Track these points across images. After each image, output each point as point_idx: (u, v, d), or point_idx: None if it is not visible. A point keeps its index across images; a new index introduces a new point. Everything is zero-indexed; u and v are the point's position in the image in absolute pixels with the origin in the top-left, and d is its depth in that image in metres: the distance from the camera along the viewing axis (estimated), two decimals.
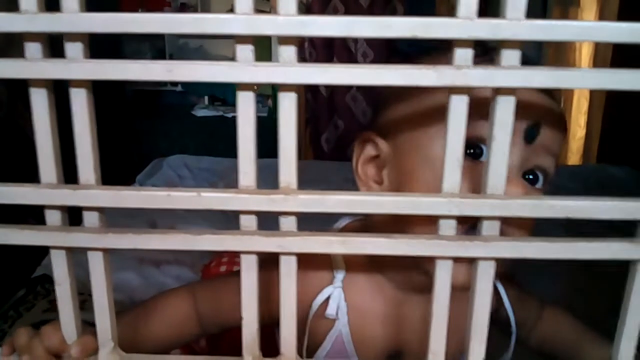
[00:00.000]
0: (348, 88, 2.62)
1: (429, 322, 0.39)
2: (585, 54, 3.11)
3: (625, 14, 2.62)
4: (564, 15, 3.14)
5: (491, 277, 0.38)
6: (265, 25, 0.32)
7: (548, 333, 0.69)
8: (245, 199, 0.36)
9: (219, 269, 1.08)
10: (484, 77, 0.33)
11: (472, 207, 0.36)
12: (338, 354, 0.58)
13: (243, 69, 0.33)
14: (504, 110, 0.35)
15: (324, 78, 0.33)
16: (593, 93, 3.02)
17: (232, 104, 3.32)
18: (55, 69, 0.35)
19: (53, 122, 0.37)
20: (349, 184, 0.52)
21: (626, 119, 2.54)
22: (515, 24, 0.32)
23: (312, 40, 2.55)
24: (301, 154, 2.60)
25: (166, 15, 0.33)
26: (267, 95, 3.00)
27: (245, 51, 0.34)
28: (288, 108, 0.35)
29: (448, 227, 0.37)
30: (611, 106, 2.86)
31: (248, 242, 0.37)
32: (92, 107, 0.36)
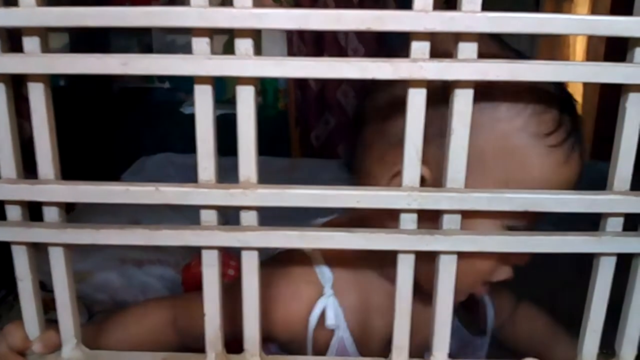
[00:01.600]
0: (339, 83, 2.60)
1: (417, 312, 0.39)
2: (579, 49, 3.11)
3: (619, 9, 2.62)
4: (558, 10, 3.14)
5: (453, 271, 0.38)
6: (219, 17, 0.32)
7: (521, 329, 0.69)
8: (204, 193, 0.36)
9: (199, 269, 1.08)
10: (440, 70, 0.33)
11: (431, 200, 0.36)
12: (341, 354, 0.57)
13: (198, 62, 0.33)
14: (462, 103, 0.35)
15: (280, 71, 0.33)
16: (586, 89, 3.02)
17: (220, 101, 3.30)
18: (11, 63, 0.35)
19: (12, 117, 0.37)
20: (340, 183, 0.49)
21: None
22: (470, 16, 0.32)
23: (302, 37, 2.53)
24: (290, 151, 2.59)
25: (119, 9, 0.32)
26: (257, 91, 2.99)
27: (201, 44, 0.33)
28: (246, 101, 0.35)
29: (409, 221, 0.37)
30: (604, 102, 2.87)
31: (208, 237, 0.37)
32: (50, 101, 0.36)
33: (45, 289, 0.42)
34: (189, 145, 0.38)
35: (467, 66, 0.33)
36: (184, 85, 3.04)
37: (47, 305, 0.42)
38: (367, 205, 0.36)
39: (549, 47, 3.19)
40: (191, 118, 0.35)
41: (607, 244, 0.37)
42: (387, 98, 0.49)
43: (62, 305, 0.40)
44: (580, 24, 0.33)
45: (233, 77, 0.34)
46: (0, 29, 0.35)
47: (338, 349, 0.56)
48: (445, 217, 0.37)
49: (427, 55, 0.33)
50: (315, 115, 2.69)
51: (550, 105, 0.46)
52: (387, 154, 0.50)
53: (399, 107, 0.40)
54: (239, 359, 0.40)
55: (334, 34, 2.53)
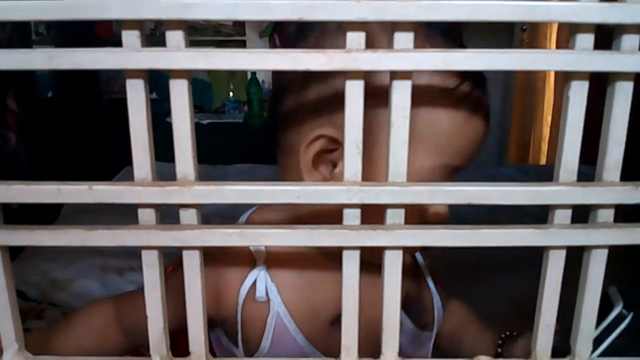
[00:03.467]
0: None
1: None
2: (554, 40, 3.12)
3: None
4: None
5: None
6: (146, 9, 0.31)
7: (452, 325, 0.69)
8: (139, 191, 0.35)
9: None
10: (374, 61, 0.32)
11: (372, 195, 0.35)
12: (283, 338, 0.57)
13: (128, 55, 0.32)
14: (400, 95, 0.34)
15: (211, 63, 0.32)
16: (563, 89, 3.03)
17: (208, 110, 3.30)
18: None
19: None
20: None
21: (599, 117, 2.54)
22: (403, 4, 0.31)
23: (285, 44, 2.53)
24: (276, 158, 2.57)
25: (45, 2, 0.32)
26: (242, 101, 2.99)
27: (130, 37, 0.33)
28: (179, 95, 0.34)
29: (351, 217, 0.36)
30: (590, 104, 2.87)
31: (145, 237, 0.36)
32: None
33: (25, 298, 0.41)
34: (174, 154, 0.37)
35: (403, 56, 0.33)
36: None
37: (26, 315, 0.41)
38: (307, 200, 0.35)
39: (530, 37, 3.21)
40: None
41: (555, 236, 0.36)
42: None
43: (1, 310, 0.39)
44: (515, 10, 0.32)
45: (166, 71, 0.33)
46: None
47: (276, 325, 0.56)
48: (389, 211, 0.36)
49: (363, 46, 0.33)
50: None
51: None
52: (305, 121, 0.51)
53: (316, 74, 0.43)
54: None
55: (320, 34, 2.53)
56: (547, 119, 3.17)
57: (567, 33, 0.34)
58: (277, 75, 0.68)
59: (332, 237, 0.36)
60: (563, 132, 0.35)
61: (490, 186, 0.35)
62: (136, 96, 0.34)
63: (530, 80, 3.22)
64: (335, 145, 0.50)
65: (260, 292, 0.56)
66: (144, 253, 0.37)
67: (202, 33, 3.24)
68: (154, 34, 3.07)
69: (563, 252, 0.37)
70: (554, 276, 0.38)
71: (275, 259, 0.57)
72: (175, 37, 0.33)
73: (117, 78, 3.09)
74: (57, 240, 0.36)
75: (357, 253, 0.37)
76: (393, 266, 0.37)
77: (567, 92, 0.35)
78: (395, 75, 0.34)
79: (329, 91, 0.50)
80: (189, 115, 0.35)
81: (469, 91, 0.50)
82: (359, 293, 0.38)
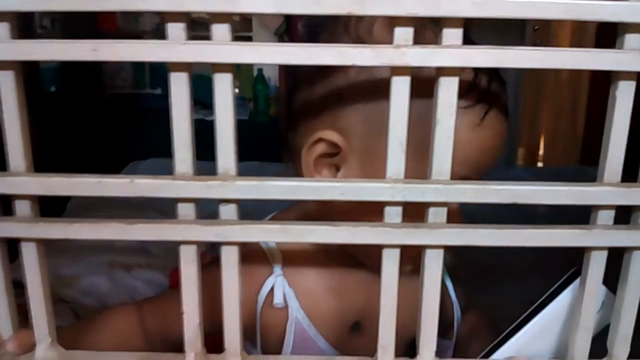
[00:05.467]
0: None
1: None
2: (563, 40, 3.11)
3: None
4: None
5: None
6: (193, 1, 0.31)
7: (464, 332, 0.68)
8: (180, 185, 0.35)
9: None
10: (423, 57, 0.32)
11: (417, 192, 0.35)
12: (303, 343, 0.56)
13: (173, 47, 0.32)
14: (447, 93, 0.33)
15: (257, 57, 0.32)
16: (574, 92, 3.03)
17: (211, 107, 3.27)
18: None
19: None
20: None
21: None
22: (455, 0, 0.31)
23: (293, 39, 2.52)
24: (282, 157, 2.56)
25: None
26: (248, 98, 2.98)
27: (176, 29, 0.32)
28: (224, 89, 0.34)
29: (393, 215, 0.36)
30: (593, 106, 2.87)
31: (185, 232, 0.36)
32: (21, 89, 0.35)
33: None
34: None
35: (452, 53, 0.32)
36: None
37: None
38: (350, 197, 0.35)
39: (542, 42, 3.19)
40: None
41: (598, 237, 0.36)
42: (313, 67, 0.49)
43: (35, 302, 0.39)
44: (567, 8, 0.32)
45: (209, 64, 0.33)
46: None
47: (297, 331, 0.56)
48: (431, 209, 0.36)
49: (411, 42, 0.32)
50: None
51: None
52: (307, 123, 0.50)
53: (323, 76, 0.44)
54: (219, 358, 0.39)
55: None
56: (558, 120, 3.16)
57: (581, 34, 0.33)
58: (287, 73, 0.67)
59: (375, 235, 0.35)
60: (608, 132, 0.35)
61: (535, 186, 0.35)
62: (179, 90, 0.34)
63: (540, 82, 3.21)
64: (336, 149, 0.50)
65: (278, 299, 0.55)
66: (182, 248, 0.36)
67: (207, 28, 3.21)
68: (159, 29, 3.08)
69: (605, 253, 0.37)
70: (595, 277, 0.37)
71: (291, 264, 0.56)
72: (220, 31, 0.32)
73: (120, 73, 3.09)
74: (96, 234, 0.35)
75: (397, 251, 0.36)
76: (434, 266, 0.36)
77: (613, 92, 0.34)
78: (442, 71, 0.33)
79: (331, 94, 0.49)
80: (232, 110, 0.34)
81: (477, 99, 0.47)
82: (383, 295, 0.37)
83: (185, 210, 0.36)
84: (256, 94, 2.76)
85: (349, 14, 0.31)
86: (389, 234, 0.35)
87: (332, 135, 0.49)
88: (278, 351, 0.57)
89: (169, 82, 0.33)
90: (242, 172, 0.36)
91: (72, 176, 0.35)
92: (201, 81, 0.42)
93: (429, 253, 0.36)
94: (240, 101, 3.10)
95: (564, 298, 0.45)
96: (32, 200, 0.36)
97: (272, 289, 0.55)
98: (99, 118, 2.78)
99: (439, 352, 0.61)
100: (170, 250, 1.40)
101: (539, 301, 0.46)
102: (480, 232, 0.36)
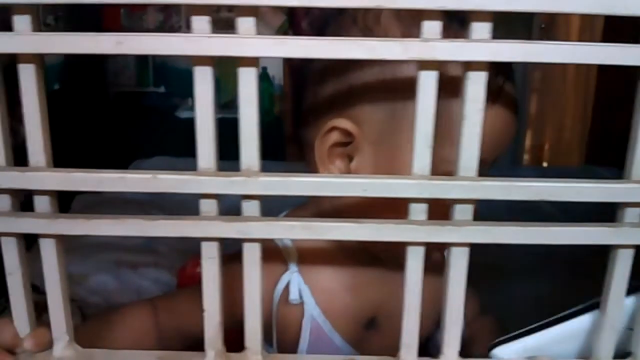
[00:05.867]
0: None
1: (398, 286, 0.37)
2: (573, 31, 3.09)
3: None
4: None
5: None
6: None
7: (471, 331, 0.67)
8: (203, 181, 0.34)
9: (195, 270, 1.05)
10: (452, 51, 0.32)
11: (443, 189, 0.34)
12: (319, 340, 0.56)
13: (198, 40, 0.32)
14: (475, 88, 0.33)
15: (282, 51, 0.32)
16: (580, 92, 3.02)
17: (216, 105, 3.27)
18: (1, 42, 0.33)
19: (2, 102, 0.35)
20: None
21: (615, 120, 2.53)
22: None
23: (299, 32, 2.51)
24: (286, 156, 2.55)
25: None
26: None
27: (200, 22, 0.32)
28: (249, 84, 0.33)
29: (418, 212, 0.35)
30: (600, 106, 2.86)
31: (207, 228, 0.35)
32: (42, 83, 0.34)
33: (37, 291, 0.40)
34: (184, 149, 0.36)
35: (481, 47, 0.32)
36: (179, 89, 3.04)
37: (43, 308, 0.40)
38: (374, 194, 0.34)
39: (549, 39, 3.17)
40: (186, 122, 0.33)
41: (625, 235, 0.35)
42: (324, 61, 0.49)
43: (53, 301, 0.38)
44: (599, 2, 0.31)
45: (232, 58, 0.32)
46: None
47: (312, 328, 0.55)
48: (457, 207, 0.35)
49: (439, 35, 0.32)
50: None
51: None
52: (320, 114, 0.50)
53: (335, 67, 0.45)
54: (239, 357, 0.39)
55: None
56: (565, 120, 3.15)
57: (589, 33, 0.33)
58: (295, 68, 0.67)
59: (400, 232, 0.35)
60: (636, 130, 0.34)
61: (563, 182, 0.34)
62: (203, 85, 0.33)
63: (546, 82, 3.20)
64: (349, 138, 0.49)
65: (294, 295, 0.55)
66: (203, 245, 0.36)
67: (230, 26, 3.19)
68: (163, 27, 3.07)
69: (631, 252, 0.36)
70: (621, 275, 0.37)
71: (307, 261, 0.56)
72: (246, 24, 0.32)
73: (124, 71, 3.08)
74: (116, 230, 0.35)
75: (421, 249, 0.36)
76: (459, 264, 0.36)
77: None
78: (470, 66, 0.33)
79: (344, 84, 0.49)
80: (256, 105, 0.34)
81: (501, 84, 0.47)
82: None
83: (208, 207, 0.35)
84: (260, 92, 2.76)
85: (378, 7, 0.31)
86: (414, 232, 0.35)
87: (345, 124, 0.49)
88: (294, 348, 0.56)
89: (194, 76, 0.33)
90: None
91: (94, 171, 0.34)
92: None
93: (454, 251, 0.36)
94: None
95: (585, 319, 0.43)
96: (51, 195, 0.36)
97: (287, 286, 0.55)
98: (103, 116, 2.78)
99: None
100: (177, 249, 1.40)
101: (558, 316, 0.45)
102: (507, 229, 0.35)
